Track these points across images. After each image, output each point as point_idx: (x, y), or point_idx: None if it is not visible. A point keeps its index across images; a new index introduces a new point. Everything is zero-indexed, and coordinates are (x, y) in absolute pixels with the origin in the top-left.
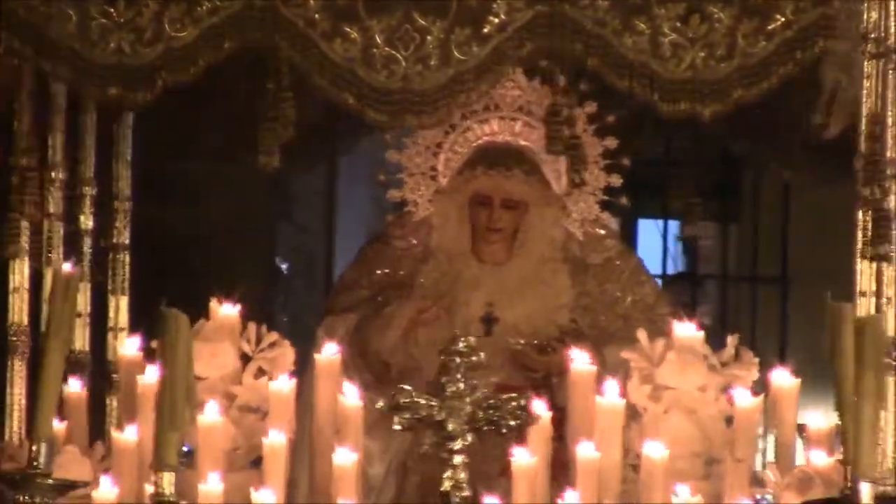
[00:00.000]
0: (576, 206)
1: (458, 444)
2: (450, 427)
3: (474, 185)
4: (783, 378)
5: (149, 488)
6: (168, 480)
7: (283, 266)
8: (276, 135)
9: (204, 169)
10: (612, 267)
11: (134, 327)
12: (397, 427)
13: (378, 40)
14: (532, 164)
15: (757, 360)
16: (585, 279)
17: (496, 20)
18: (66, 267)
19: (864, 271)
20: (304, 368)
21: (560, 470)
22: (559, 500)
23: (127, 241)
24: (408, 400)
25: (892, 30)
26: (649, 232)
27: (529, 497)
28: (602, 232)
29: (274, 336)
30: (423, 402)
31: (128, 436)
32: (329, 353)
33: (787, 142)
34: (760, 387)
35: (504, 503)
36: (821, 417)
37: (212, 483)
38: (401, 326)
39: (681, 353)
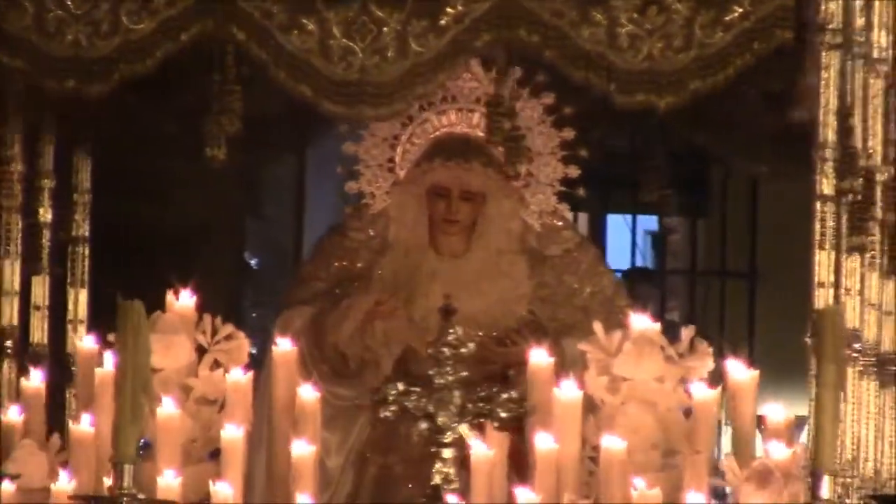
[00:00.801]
0: (533, 198)
1: (447, 437)
2: (440, 420)
3: (432, 176)
4: (741, 370)
5: (107, 481)
6: (128, 473)
7: (253, 261)
8: (222, 128)
9: (172, 164)
10: (571, 258)
11: (98, 321)
12: (387, 415)
13: (335, 32)
14: (490, 155)
15: (711, 350)
16: (543, 271)
17: (453, 11)
18: None
19: (822, 262)
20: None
21: (518, 462)
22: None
23: (87, 234)
24: (395, 392)
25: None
26: (618, 227)
27: (487, 490)
28: (560, 223)
29: (229, 328)
30: (411, 394)
31: (85, 427)
32: (286, 346)
33: (747, 134)
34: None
35: (463, 496)
36: (780, 410)
37: (168, 476)
38: (358, 318)
39: (637, 345)
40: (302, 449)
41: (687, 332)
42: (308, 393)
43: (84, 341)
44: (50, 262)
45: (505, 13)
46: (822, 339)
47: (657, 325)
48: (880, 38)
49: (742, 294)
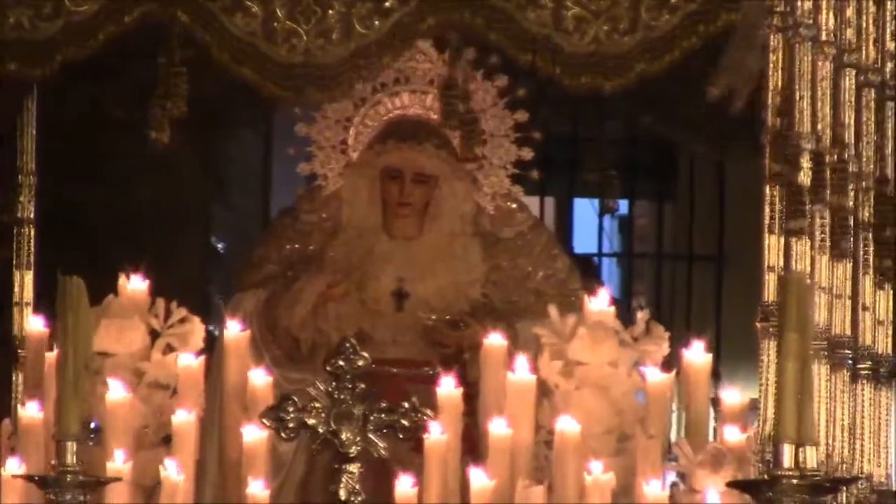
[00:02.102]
0: (487, 180)
1: (352, 451)
2: (343, 436)
3: (385, 158)
4: (695, 354)
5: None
6: (70, 450)
7: (220, 245)
8: (167, 111)
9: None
10: (524, 241)
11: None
12: (283, 437)
13: (279, 14)
14: (443, 137)
15: (668, 334)
16: (497, 253)
17: None
18: None
19: (771, 246)
20: None
21: (472, 446)
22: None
23: (31, 216)
24: (294, 410)
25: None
26: (585, 211)
27: (441, 474)
28: (513, 206)
29: (183, 312)
30: (311, 410)
31: (32, 412)
32: (237, 330)
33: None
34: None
35: (417, 480)
36: (735, 394)
37: (119, 461)
38: (310, 301)
39: (591, 329)
40: (254, 434)
41: (642, 315)
42: (259, 377)
43: (32, 323)
44: None
45: None
46: (786, 307)
47: (612, 309)
48: (828, 19)
49: (709, 278)
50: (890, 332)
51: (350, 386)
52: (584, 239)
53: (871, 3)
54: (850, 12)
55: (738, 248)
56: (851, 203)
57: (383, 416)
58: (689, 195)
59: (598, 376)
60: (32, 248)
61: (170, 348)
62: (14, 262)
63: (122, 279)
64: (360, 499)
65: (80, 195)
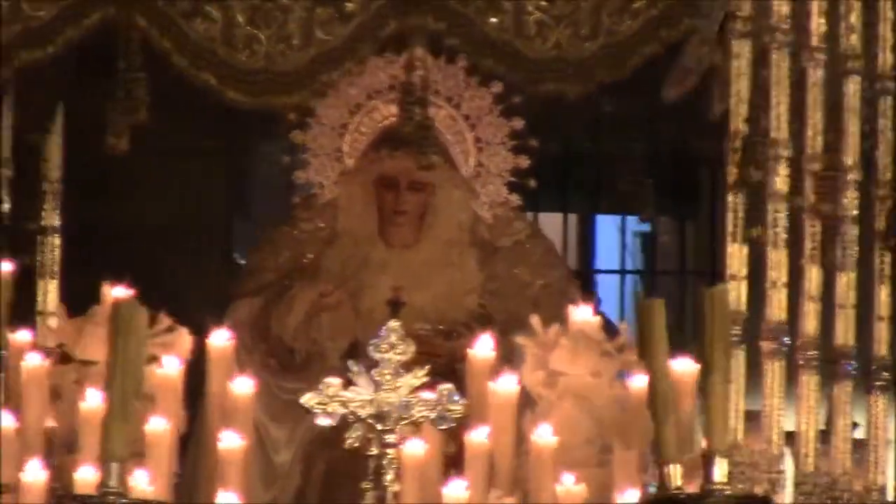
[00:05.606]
0: (484, 189)
1: (391, 439)
2: (383, 422)
3: (380, 166)
4: (682, 365)
5: (24, 477)
6: (115, 471)
7: (243, 262)
8: (126, 117)
9: (160, 162)
10: (522, 250)
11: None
12: (324, 423)
13: (239, 19)
14: (439, 144)
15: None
16: (494, 262)
17: None
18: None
19: (733, 255)
20: None
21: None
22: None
23: (56, 224)
24: (334, 394)
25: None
26: (607, 228)
27: (417, 486)
28: (511, 215)
29: (168, 321)
30: (350, 395)
31: (7, 423)
32: (221, 338)
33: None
34: None
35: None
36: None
37: (87, 472)
38: (302, 310)
39: (573, 339)
40: (230, 442)
41: (623, 327)
42: (241, 385)
43: (18, 335)
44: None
45: (410, 0)
46: (712, 319)
47: (596, 319)
48: (819, 26)
49: None
50: None
51: (392, 372)
52: (607, 256)
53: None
54: (853, 18)
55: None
56: (856, 212)
57: (422, 405)
58: (710, 213)
59: (579, 386)
60: (56, 257)
61: (155, 358)
62: (37, 270)
63: (105, 287)
64: (397, 486)
65: (100, 207)
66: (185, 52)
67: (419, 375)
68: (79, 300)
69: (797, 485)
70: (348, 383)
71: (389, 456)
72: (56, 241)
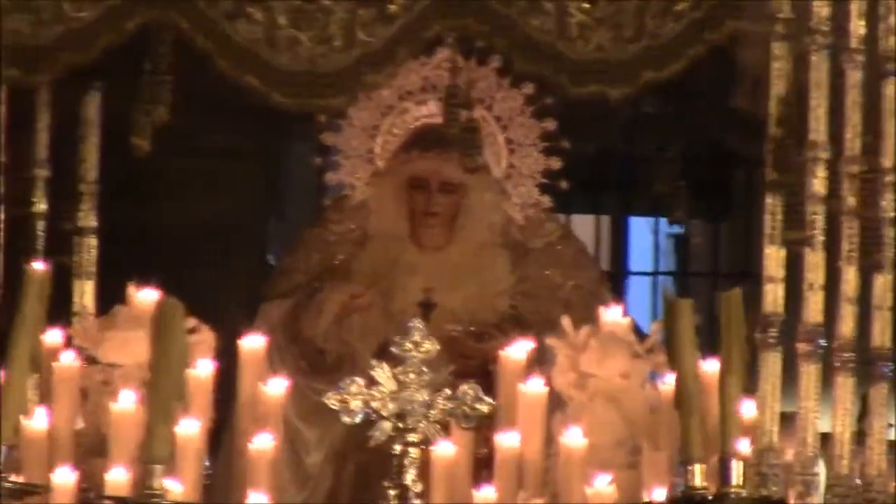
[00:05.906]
0: (515, 190)
1: (413, 437)
2: (405, 421)
3: (411, 168)
4: (710, 366)
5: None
6: (157, 473)
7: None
8: (151, 119)
9: (196, 164)
10: (554, 251)
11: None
12: (346, 420)
13: (281, 21)
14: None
15: None
16: (526, 264)
17: (401, 0)
18: (39, 265)
19: (770, 256)
20: None
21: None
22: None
23: (93, 225)
24: (358, 392)
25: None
26: (640, 230)
27: (447, 489)
28: (542, 216)
29: (193, 322)
30: (375, 393)
31: (38, 423)
32: (253, 340)
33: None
34: None
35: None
36: (751, 406)
37: (118, 472)
38: (333, 312)
39: (603, 341)
40: (261, 443)
41: (655, 327)
42: (274, 386)
43: (48, 335)
44: (47, 252)
45: (454, 2)
46: (727, 323)
47: (627, 320)
48: (858, 28)
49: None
50: None
51: (415, 371)
52: (640, 258)
53: None
54: (892, 20)
55: (792, 266)
56: (893, 214)
57: (448, 402)
58: (744, 214)
59: (609, 388)
60: (93, 258)
61: None
62: (74, 270)
63: (130, 288)
64: (420, 486)
65: (136, 208)
66: (228, 54)
67: (444, 374)
68: (115, 301)
69: (830, 486)
70: (372, 382)
71: (412, 454)
72: (93, 241)
